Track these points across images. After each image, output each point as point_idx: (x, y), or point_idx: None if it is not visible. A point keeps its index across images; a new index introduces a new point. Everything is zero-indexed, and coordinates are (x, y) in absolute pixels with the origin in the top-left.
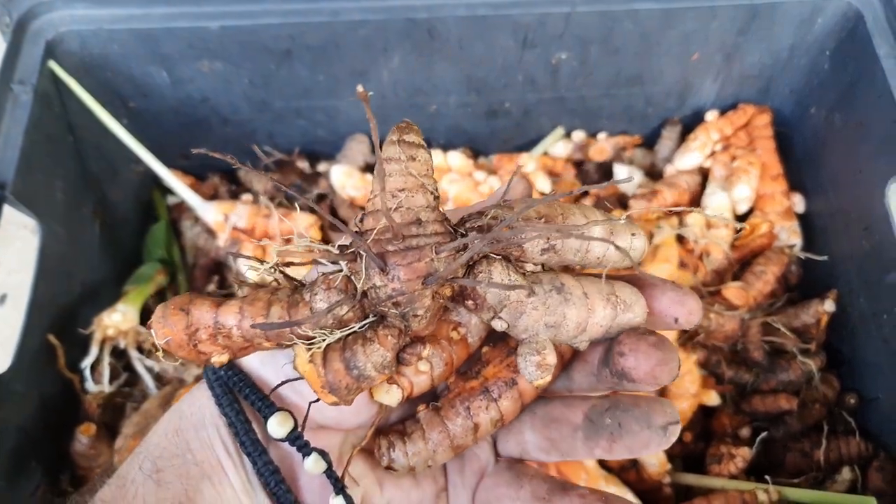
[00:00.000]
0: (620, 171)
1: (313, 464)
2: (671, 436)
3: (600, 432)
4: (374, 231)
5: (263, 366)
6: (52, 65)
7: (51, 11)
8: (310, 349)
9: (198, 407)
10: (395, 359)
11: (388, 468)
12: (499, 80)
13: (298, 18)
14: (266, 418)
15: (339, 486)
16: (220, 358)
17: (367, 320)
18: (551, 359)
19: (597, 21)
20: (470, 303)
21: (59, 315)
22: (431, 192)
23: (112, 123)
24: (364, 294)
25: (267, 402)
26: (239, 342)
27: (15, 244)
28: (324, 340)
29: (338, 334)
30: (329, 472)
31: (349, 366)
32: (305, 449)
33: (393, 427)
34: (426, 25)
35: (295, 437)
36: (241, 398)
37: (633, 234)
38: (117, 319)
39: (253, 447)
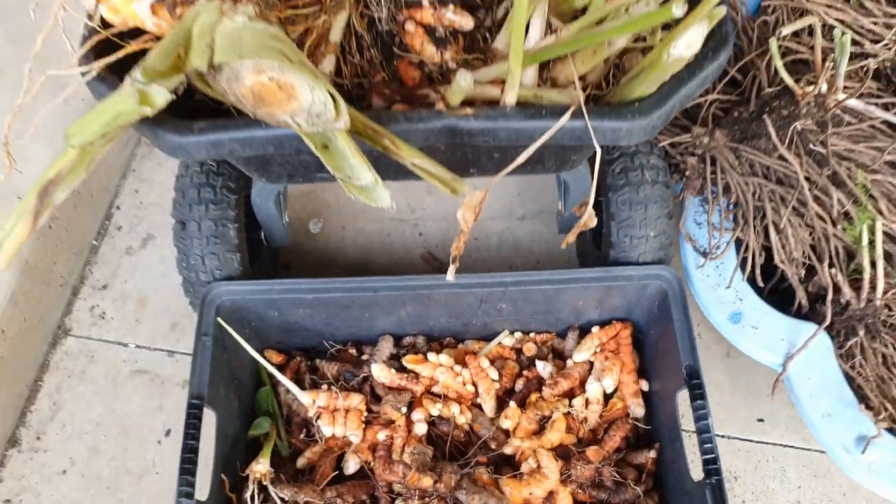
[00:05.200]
0: (541, 365)
1: None
2: None
3: None
4: None
5: None
6: (219, 320)
7: (218, 289)
8: None
9: None
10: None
11: None
12: (469, 318)
13: (356, 285)
14: None
15: None
16: None
17: None
18: None
19: (520, 290)
20: None
21: (227, 462)
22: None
23: (247, 346)
24: None
25: None
26: None
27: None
28: None
29: None
30: None
31: None
32: None
33: None
34: (427, 292)
35: None
36: None
37: None
38: (261, 468)
39: None
